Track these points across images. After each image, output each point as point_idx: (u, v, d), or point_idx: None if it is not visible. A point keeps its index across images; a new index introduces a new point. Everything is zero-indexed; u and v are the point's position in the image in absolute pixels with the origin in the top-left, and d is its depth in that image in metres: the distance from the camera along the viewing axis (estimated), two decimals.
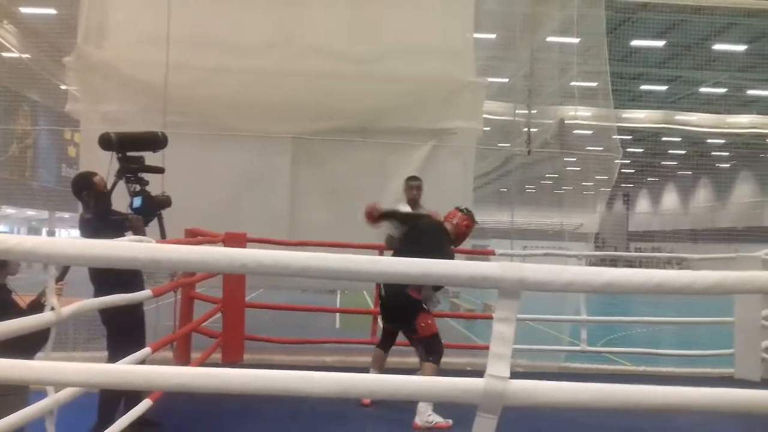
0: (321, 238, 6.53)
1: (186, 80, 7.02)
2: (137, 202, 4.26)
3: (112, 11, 7.28)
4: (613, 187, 9.04)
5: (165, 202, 4.42)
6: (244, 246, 6.07)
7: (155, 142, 4.33)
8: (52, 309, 2.59)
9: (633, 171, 40.05)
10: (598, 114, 8.43)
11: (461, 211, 5.37)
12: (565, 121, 7.89)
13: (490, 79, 7.60)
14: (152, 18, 6.98)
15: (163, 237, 4.46)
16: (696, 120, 27.73)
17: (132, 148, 4.32)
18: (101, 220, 3.92)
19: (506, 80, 9.28)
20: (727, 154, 37.70)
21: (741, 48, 22.05)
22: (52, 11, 19.23)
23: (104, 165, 7.21)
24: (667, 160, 38.43)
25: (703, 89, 25.53)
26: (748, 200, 42.48)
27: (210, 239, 5.55)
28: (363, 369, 4.89)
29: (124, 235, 3.96)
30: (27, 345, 3.21)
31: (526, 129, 7.58)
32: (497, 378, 1.64)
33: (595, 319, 6.97)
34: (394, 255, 5.14)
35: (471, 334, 12.18)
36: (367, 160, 7.53)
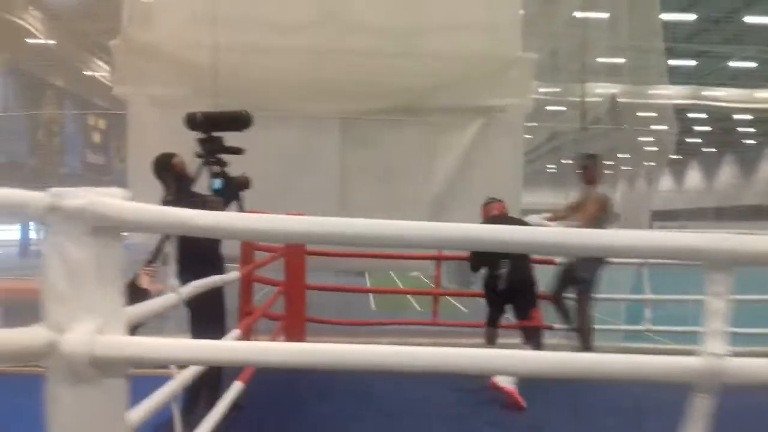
0: (369, 218, 6.49)
1: (233, 61, 6.98)
2: (217, 183, 4.23)
3: None
4: (636, 166, 9.12)
5: (245, 183, 4.39)
6: (303, 259, 6.13)
7: (241, 121, 4.28)
8: (172, 290, 2.57)
9: (657, 149, 39.56)
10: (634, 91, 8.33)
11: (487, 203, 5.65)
12: (618, 99, 7.78)
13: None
14: None
15: None
16: (724, 95, 27.33)
17: (218, 128, 4.28)
18: (181, 202, 3.89)
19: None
20: (753, 130, 37.15)
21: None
22: None
23: (153, 147, 7.33)
24: (691, 137, 37.98)
25: (731, 64, 25.11)
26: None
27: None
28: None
29: None
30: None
31: (576, 105, 7.47)
32: (714, 355, 1.58)
33: (666, 297, 6.89)
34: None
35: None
36: (416, 139, 7.49)
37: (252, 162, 7.22)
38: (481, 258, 5.29)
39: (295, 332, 6.17)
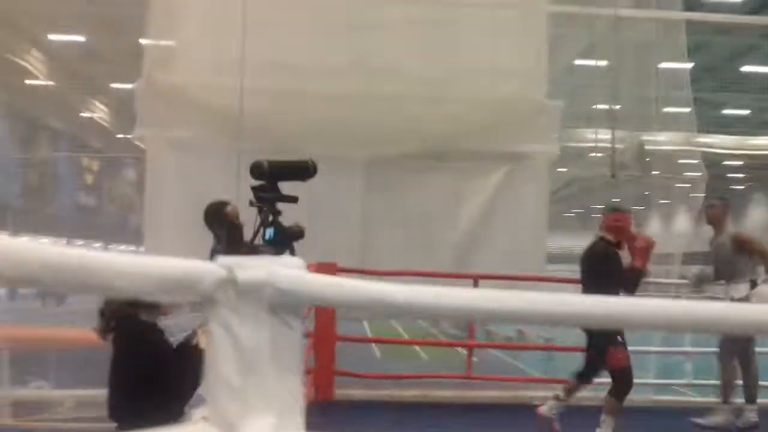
0: (394, 265, 6.39)
1: (258, 105, 6.87)
2: (270, 233, 4.03)
3: (181, 35, 7.12)
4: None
5: (298, 233, 4.19)
6: (334, 275, 5.87)
7: (306, 170, 4.10)
8: None
9: (648, 193, 39.84)
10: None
11: (604, 214, 5.31)
12: (645, 146, 7.74)
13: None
14: (224, 42, 6.84)
15: None
16: (717, 142, 27.63)
17: (283, 177, 4.10)
18: (233, 254, 3.69)
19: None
20: (742, 176, 37.54)
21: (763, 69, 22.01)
22: (80, 38, 19.16)
23: (170, 192, 7.14)
24: (682, 182, 38.28)
25: (725, 111, 25.48)
26: (762, 222, 42.31)
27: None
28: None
29: None
30: (186, 390, 2.98)
31: (604, 152, 7.42)
32: None
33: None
34: None
35: (519, 363, 11.90)
36: (441, 185, 7.38)
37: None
38: None
39: (324, 385, 5.92)
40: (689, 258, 7.71)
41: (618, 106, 8.36)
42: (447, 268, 6.83)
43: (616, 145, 7.14)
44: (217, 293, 1.18)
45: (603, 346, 4.81)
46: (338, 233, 6.98)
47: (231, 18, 6.84)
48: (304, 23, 7.10)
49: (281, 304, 1.20)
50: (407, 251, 7.09)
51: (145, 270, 1.10)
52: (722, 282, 5.83)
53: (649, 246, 4.96)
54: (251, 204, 4.05)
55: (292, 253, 4.15)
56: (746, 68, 21.77)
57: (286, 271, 1.19)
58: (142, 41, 7.58)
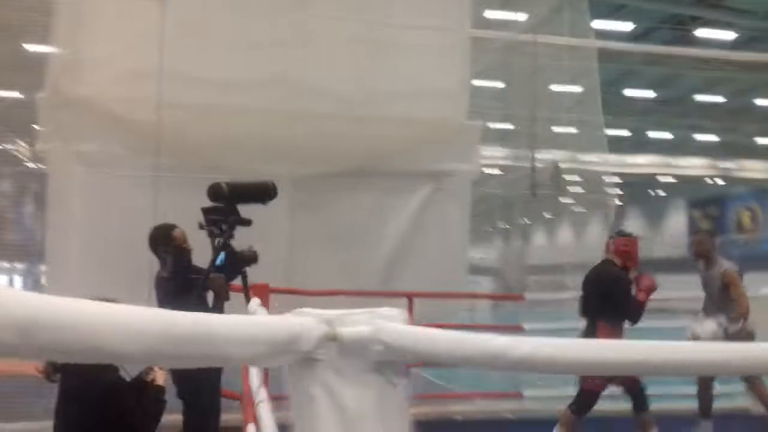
0: (321, 285, 6.28)
1: (175, 119, 6.53)
2: (221, 258, 3.81)
3: (89, 46, 6.66)
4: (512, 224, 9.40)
5: (251, 258, 3.97)
6: (267, 296, 5.64)
7: (266, 192, 3.89)
8: None
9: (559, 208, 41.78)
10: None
11: (611, 238, 5.37)
12: (559, 165, 8.07)
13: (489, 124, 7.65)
14: (139, 52, 6.47)
15: (247, 299, 4.00)
16: (598, 160, 29.43)
17: (243, 200, 3.87)
18: (180, 280, 3.45)
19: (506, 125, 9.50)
20: (620, 192, 40.15)
21: (647, 93, 23.73)
22: None
23: (77, 209, 6.65)
24: (564, 198, 40.42)
25: (609, 132, 27.13)
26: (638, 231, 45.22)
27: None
28: None
29: (204, 297, 3.51)
30: (142, 427, 2.76)
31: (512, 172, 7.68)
32: None
33: None
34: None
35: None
36: (366, 203, 7.33)
37: (195, 225, 6.77)
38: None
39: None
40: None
41: (515, 126, 8.72)
42: (373, 285, 6.82)
43: (537, 165, 7.39)
44: (318, 351, 1.06)
45: None
46: (264, 252, 6.74)
47: (145, 28, 6.51)
48: (224, 36, 6.86)
49: (387, 361, 1.09)
50: (334, 269, 6.97)
51: (256, 334, 0.96)
52: (701, 313, 5.97)
53: (653, 287, 5.06)
54: (201, 227, 3.82)
55: (244, 279, 3.95)
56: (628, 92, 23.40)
57: (394, 325, 1.09)
58: (39, 49, 7.07)
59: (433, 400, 7.22)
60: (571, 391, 5.31)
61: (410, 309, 5.95)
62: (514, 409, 6.78)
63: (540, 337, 1.14)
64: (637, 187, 35.40)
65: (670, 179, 36.82)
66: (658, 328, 6.93)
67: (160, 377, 2.87)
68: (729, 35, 19.84)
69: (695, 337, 5.74)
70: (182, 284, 3.65)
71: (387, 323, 1.08)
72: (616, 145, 28.33)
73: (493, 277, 24.95)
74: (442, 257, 7.34)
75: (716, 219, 43.19)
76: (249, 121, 6.85)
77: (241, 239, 6.84)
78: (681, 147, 31.08)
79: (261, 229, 6.85)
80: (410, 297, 5.95)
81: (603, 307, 5.02)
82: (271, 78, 6.96)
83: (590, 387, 4.90)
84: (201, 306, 3.62)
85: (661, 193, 43.41)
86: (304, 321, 1.06)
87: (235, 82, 6.80)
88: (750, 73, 23.78)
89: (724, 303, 5.76)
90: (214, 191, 3.80)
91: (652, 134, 29.68)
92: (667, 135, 30.28)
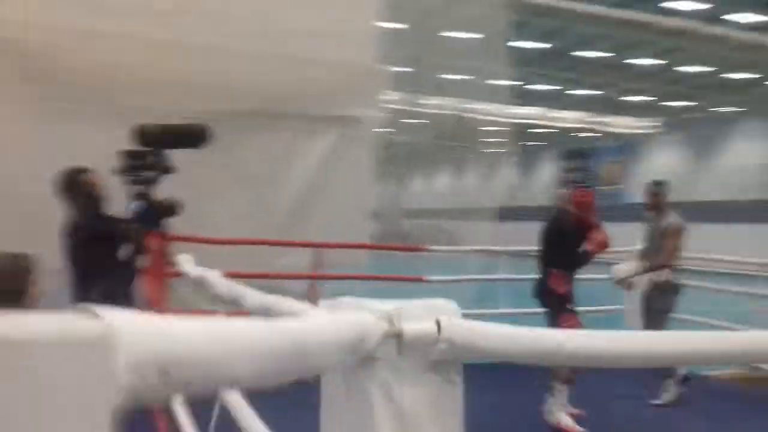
0: (227, 230, 6.09)
1: (53, 43, 5.94)
2: (137, 207, 3.48)
3: None
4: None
5: (171, 208, 3.67)
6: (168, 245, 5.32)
7: (200, 136, 3.55)
8: None
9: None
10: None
11: (570, 188, 5.55)
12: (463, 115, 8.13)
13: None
14: None
15: (165, 253, 3.71)
16: (482, 108, 30.17)
17: (174, 144, 3.51)
18: (91, 230, 3.13)
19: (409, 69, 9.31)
20: (497, 140, 41.55)
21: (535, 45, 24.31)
22: None
23: None
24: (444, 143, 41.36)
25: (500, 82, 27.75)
26: (511, 182, 47.36)
27: None
28: None
29: (118, 250, 3.22)
30: None
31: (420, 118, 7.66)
32: None
33: None
34: None
35: None
36: (273, 146, 7.08)
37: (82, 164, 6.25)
38: None
39: None
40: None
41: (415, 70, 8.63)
42: (280, 230, 6.69)
43: (441, 112, 7.39)
44: (378, 349, 0.95)
45: (555, 314, 5.00)
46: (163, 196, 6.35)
47: None
48: None
49: (448, 360, 1.00)
50: (237, 215, 6.72)
51: (337, 340, 0.84)
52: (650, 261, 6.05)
53: (604, 244, 5.21)
54: (117, 173, 3.48)
55: (163, 231, 3.67)
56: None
57: (458, 322, 0.99)
58: None
59: None
60: None
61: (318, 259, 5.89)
62: None
63: (593, 331, 1.10)
64: (521, 137, 36.76)
65: (552, 130, 38.56)
66: None
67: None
68: None
69: (617, 277, 6.07)
70: (93, 235, 3.33)
71: (451, 319, 0.99)
72: (503, 96, 29.20)
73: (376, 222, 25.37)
74: (348, 204, 7.28)
75: (584, 170, 45.98)
76: (141, 51, 6.32)
77: None
78: (560, 99, 32.45)
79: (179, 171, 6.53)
80: (317, 247, 5.85)
81: (554, 256, 5.21)
82: (168, 6, 6.45)
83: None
84: (112, 258, 3.33)
85: (542, 143, 45.40)
86: (366, 318, 0.94)
87: (126, 6, 6.24)
88: (627, 31, 25.07)
89: (659, 253, 5.93)
90: (143, 134, 3.45)
91: (535, 86, 30.70)
92: (549, 87, 31.47)
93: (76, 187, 3.35)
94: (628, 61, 29.37)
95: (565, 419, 4.99)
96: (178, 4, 6.46)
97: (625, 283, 6.15)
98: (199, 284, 2.94)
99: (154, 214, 3.56)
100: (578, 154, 44.39)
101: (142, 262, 3.49)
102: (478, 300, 7.24)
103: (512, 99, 29.25)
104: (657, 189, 6.24)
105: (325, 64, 7.08)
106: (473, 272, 7.38)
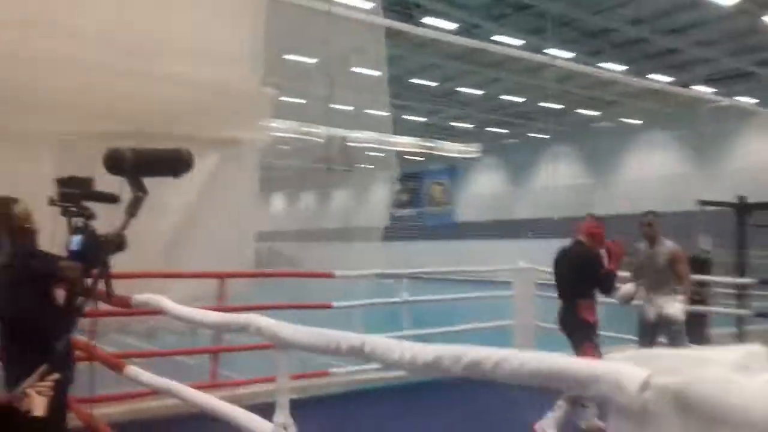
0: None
1: None
2: (77, 242, 3.01)
3: None
4: None
5: (117, 244, 3.21)
6: None
7: (180, 162, 3.07)
8: None
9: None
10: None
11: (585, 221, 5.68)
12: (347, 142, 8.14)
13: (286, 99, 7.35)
14: None
15: (109, 296, 3.22)
16: (318, 131, 30.42)
17: (150, 172, 3.02)
18: (21, 269, 2.66)
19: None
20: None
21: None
22: None
23: None
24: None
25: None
26: (345, 205, 48.03)
27: None
28: None
29: (51, 292, 2.77)
30: None
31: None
32: None
33: None
34: None
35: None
36: None
37: None
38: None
39: None
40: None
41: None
42: (159, 258, 6.23)
43: (320, 140, 7.34)
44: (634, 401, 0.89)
45: (581, 343, 5.16)
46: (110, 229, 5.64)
47: None
48: None
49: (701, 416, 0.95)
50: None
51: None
52: (653, 291, 6.27)
53: (622, 253, 5.40)
54: (53, 203, 3.00)
55: (106, 269, 3.22)
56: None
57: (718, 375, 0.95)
58: None
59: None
60: None
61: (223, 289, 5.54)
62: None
63: None
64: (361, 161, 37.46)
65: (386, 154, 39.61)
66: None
67: (39, 405, 2.15)
68: (451, 25, 21.80)
69: (665, 317, 6.14)
70: (24, 275, 2.83)
71: (702, 372, 0.94)
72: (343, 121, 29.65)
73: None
74: (230, 229, 6.95)
75: (413, 192, 47.88)
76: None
77: None
78: (396, 124, 33.57)
79: (28, 199, 5.78)
80: (222, 277, 5.51)
81: (580, 286, 5.37)
82: (20, 15, 5.80)
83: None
84: (45, 302, 2.85)
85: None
86: (625, 368, 0.88)
87: None
88: (456, 62, 26.66)
89: (668, 279, 6.23)
90: (114, 159, 2.99)
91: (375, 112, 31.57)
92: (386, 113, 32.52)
93: (5, 219, 2.83)
94: (456, 89, 31.16)
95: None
96: (33, 14, 5.82)
97: (628, 302, 6.38)
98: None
99: (98, 250, 3.12)
100: (409, 177, 46.21)
101: (82, 305, 3.03)
102: (384, 323, 7.28)
103: (354, 124, 29.89)
104: (652, 219, 6.40)
105: (205, 85, 6.73)
106: (361, 297, 7.35)
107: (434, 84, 30.25)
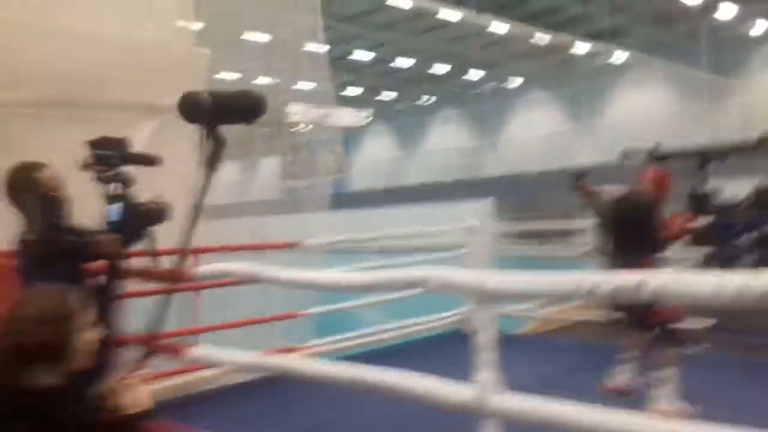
0: None
1: None
2: (114, 212, 2.55)
3: None
4: None
5: (158, 213, 2.74)
6: None
7: (257, 106, 2.52)
8: None
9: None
10: None
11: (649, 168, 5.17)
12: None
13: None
14: None
15: (152, 271, 2.75)
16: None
17: (226, 119, 2.47)
18: (48, 245, 2.22)
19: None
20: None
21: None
22: None
23: None
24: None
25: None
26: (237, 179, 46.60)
27: None
28: None
29: (82, 269, 2.35)
30: None
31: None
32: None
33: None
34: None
35: None
36: (77, 141, 5.89)
37: None
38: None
39: None
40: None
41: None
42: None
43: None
44: None
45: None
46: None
47: None
48: None
49: None
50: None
51: None
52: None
53: (688, 229, 5.04)
54: (86, 167, 2.53)
55: (150, 241, 2.76)
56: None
57: None
58: None
59: None
60: None
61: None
62: None
63: None
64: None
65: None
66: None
67: (143, 397, 1.75)
68: None
69: None
70: (53, 251, 2.36)
71: None
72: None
73: None
74: (170, 198, 6.44)
75: (306, 162, 47.19)
76: None
77: None
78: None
79: None
80: (197, 253, 5.08)
81: (641, 242, 4.76)
82: None
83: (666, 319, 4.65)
84: (77, 284, 2.37)
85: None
86: None
87: None
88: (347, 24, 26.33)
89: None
90: (192, 104, 2.41)
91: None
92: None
93: (34, 188, 2.33)
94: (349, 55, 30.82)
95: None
96: None
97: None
98: None
99: (137, 221, 2.66)
100: (301, 147, 45.42)
101: (121, 285, 2.57)
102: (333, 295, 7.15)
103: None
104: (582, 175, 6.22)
105: (136, 46, 6.16)
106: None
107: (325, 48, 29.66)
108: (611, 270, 4.80)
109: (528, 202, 22.76)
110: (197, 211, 2.28)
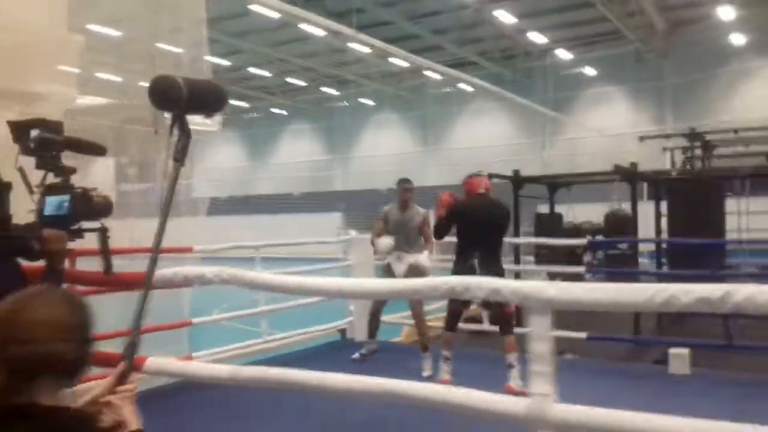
0: None
1: None
2: (53, 205, 2.21)
3: None
4: None
5: (104, 207, 2.38)
6: None
7: (222, 98, 2.20)
8: None
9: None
10: None
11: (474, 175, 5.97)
12: None
13: None
14: None
15: (107, 268, 2.38)
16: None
17: (197, 109, 2.13)
18: None
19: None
20: None
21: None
22: None
23: None
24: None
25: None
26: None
27: None
28: None
29: (18, 266, 2.05)
30: None
31: None
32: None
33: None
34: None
35: None
36: None
37: None
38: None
39: None
40: None
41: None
42: None
43: None
44: None
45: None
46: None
47: None
48: None
49: None
50: None
51: None
52: (405, 248, 6.79)
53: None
54: (29, 153, 2.19)
55: (104, 238, 2.42)
56: None
57: None
58: None
59: None
60: None
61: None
62: None
63: None
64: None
65: None
66: None
67: (132, 417, 1.53)
68: None
69: (416, 266, 6.69)
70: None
71: None
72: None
73: None
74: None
75: (142, 165, 44.68)
76: None
77: None
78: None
79: None
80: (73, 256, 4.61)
81: (501, 238, 5.88)
82: None
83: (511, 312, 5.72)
84: (18, 287, 2.00)
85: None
86: None
87: None
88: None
89: (417, 240, 6.90)
90: (168, 90, 2.08)
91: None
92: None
93: None
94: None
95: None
96: None
97: (382, 254, 6.95)
98: None
99: (82, 213, 2.32)
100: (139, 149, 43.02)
101: (60, 280, 2.21)
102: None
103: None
104: (410, 185, 7.08)
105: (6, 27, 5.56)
106: None
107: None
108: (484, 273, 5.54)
109: (374, 215, 23.28)
110: (167, 207, 2.11)
